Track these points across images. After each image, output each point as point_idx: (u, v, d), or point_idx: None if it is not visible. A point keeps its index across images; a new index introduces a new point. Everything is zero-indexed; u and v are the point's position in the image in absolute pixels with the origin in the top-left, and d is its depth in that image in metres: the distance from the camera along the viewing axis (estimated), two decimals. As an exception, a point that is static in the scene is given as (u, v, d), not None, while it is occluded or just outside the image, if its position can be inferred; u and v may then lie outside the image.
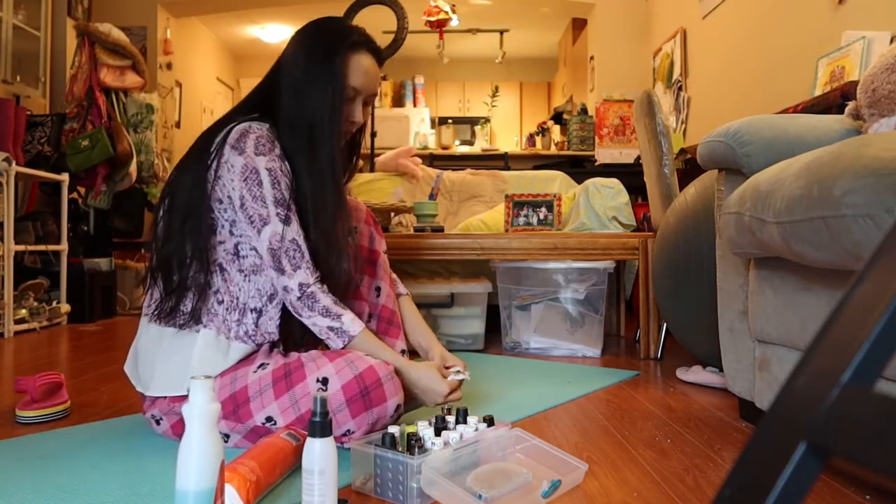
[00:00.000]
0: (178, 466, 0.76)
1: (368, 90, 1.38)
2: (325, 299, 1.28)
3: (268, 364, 1.26)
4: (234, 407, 1.23)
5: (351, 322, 1.28)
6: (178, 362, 1.26)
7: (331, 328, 1.27)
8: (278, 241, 1.25)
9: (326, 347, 1.34)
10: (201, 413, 0.75)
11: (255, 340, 1.30)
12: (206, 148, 1.30)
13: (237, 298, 1.30)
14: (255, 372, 1.25)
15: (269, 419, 1.22)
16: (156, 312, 1.29)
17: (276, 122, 1.33)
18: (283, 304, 1.33)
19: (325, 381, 1.20)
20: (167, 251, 1.28)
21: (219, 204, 1.28)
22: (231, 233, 1.30)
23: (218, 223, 1.30)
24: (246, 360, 1.29)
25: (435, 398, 1.33)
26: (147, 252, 1.39)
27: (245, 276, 1.31)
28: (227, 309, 1.29)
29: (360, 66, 1.35)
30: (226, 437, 1.26)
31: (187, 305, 1.28)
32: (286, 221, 1.26)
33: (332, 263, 1.33)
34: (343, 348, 1.27)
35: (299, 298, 1.26)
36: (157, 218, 1.33)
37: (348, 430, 1.20)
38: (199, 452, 0.75)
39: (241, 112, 1.36)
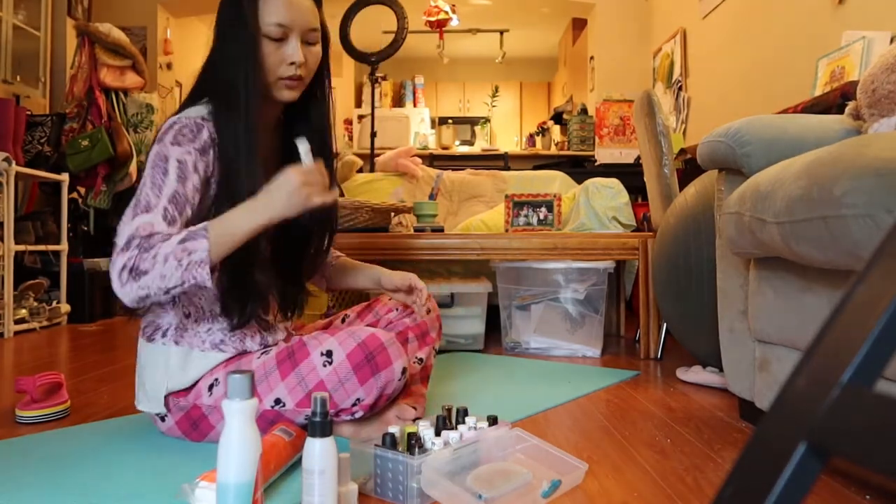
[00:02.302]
0: (218, 460, 0.78)
1: (300, 24, 1.22)
2: (154, 247, 1.08)
3: (270, 350, 1.27)
4: None
5: (191, 237, 1.09)
6: (157, 379, 1.27)
7: (179, 242, 1.08)
8: (145, 229, 1.09)
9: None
10: (240, 408, 0.78)
11: (234, 345, 1.28)
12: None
13: (202, 308, 1.28)
14: (258, 358, 1.27)
15: (277, 401, 1.22)
16: (142, 325, 1.31)
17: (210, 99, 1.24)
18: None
19: (329, 354, 1.21)
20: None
21: None
22: None
23: None
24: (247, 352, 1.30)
25: (293, 197, 1.12)
26: None
27: None
28: (195, 321, 1.28)
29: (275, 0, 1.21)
30: None
31: (151, 317, 1.28)
32: (169, 222, 1.12)
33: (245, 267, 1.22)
34: (207, 248, 1.08)
35: (138, 252, 1.06)
36: None
37: (358, 399, 1.21)
38: (238, 446, 0.77)
39: (187, 100, 1.28)
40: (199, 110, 1.22)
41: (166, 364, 1.26)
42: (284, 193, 1.12)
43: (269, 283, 1.32)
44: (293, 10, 1.22)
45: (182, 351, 1.26)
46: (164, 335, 1.27)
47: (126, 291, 1.09)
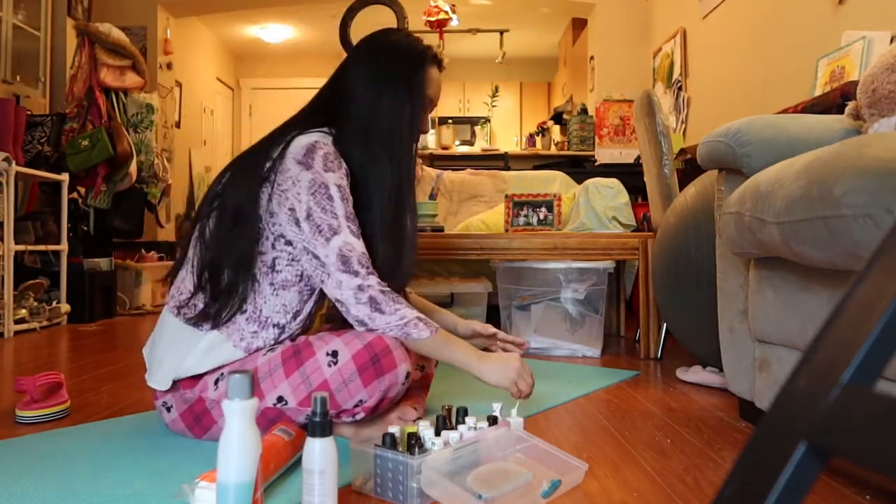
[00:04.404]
0: (218, 460, 0.78)
1: (436, 100, 1.46)
2: (398, 303, 1.26)
3: (276, 347, 1.28)
4: None
5: (427, 322, 1.27)
6: (176, 357, 1.26)
7: (417, 319, 1.26)
8: (349, 250, 1.24)
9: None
10: (240, 408, 0.77)
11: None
12: (264, 157, 1.29)
13: (260, 311, 1.29)
14: (263, 355, 1.27)
15: (280, 399, 1.22)
16: (181, 308, 1.29)
17: (340, 131, 1.34)
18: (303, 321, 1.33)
19: (334, 354, 1.22)
20: (215, 254, 1.28)
21: (269, 217, 1.27)
22: (273, 246, 1.29)
23: (263, 234, 1.28)
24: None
25: (504, 374, 1.32)
26: (180, 248, 1.38)
27: (274, 290, 1.29)
28: (246, 319, 1.28)
29: (435, 78, 1.42)
30: None
31: (214, 307, 1.27)
32: (357, 236, 1.26)
33: (401, 273, 1.38)
34: (424, 338, 1.25)
35: (382, 293, 1.24)
36: (202, 218, 1.32)
37: (360, 401, 1.21)
38: (238, 446, 0.77)
39: (303, 121, 1.36)
40: (325, 136, 1.32)
41: (194, 345, 1.26)
42: (499, 368, 1.32)
43: None
44: (439, 89, 1.45)
45: (217, 338, 1.26)
46: (211, 323, 1.27)
47: (357, 311, 1.23)
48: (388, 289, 1.26)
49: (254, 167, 1.29)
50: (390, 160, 1.35)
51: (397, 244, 1.37)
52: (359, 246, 1.25)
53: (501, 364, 1.33)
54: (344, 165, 1.30)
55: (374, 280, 1.24)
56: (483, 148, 6.74)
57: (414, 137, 1.40)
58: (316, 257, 1.27)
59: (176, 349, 1.27)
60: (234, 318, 1.28)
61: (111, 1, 5.01)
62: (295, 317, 1.31)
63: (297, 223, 1.25)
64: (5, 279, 2.90)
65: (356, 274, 1.23)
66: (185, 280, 1.31)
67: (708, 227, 1.78)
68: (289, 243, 1.28)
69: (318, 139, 1.29)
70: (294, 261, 1.30)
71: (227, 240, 1.28)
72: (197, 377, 1.27)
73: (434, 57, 1.42)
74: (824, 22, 2.61)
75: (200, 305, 1.27)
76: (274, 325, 1.29)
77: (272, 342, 1.29)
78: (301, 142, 1.27)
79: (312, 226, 1.24)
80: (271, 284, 1.29)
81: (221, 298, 1.27)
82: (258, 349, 1.28)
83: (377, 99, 1.34)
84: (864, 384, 0.34)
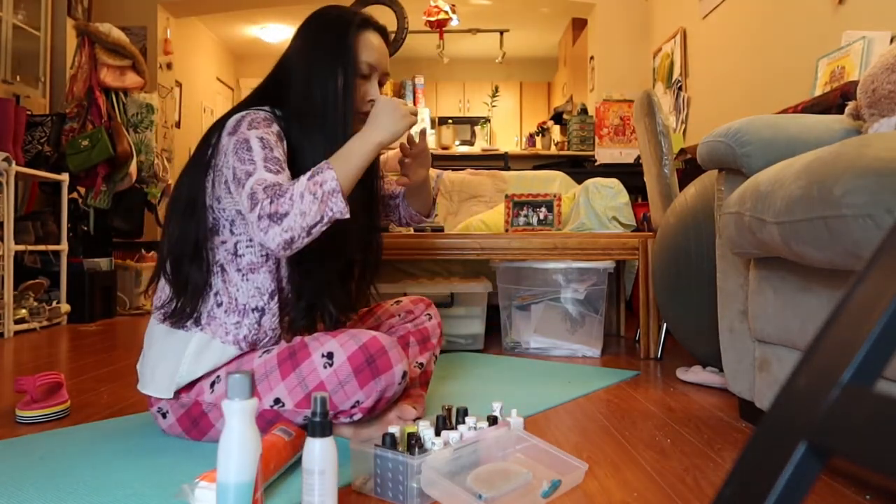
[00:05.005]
0: (218, 460, 0.78)
1: (382, 67, 1.38)
2: (286, 191, 1.14)
3: (272, 349, 1.27)
4: None
5: (319, 166, 1.18)
6: (169, 365, 1.26)
7: (309, 178, 1.15)
8: (259, 184, 1.15)
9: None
10: (240, 408, 0.77)
11: (256, 343, 1.30)
12: (205, 142, 1.30)
13: (236, 300, 1.29)
14: (259, 357, 1.27)
15: (277, 401, 1.22)
16: (161, 310, 1.30)
17: (286, 113, 1.32)
18: (282, 299, 1.32)
19: (330, 356, 1.21)
20: (169, 249, 1.29)
21: (218, 203, 1.28)
22: (232, 232, 1.29)
23: (220, 223, 1.29)
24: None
25: (395, 115, 1.25)
26: (157, 251, 1.39)
27: (243, 275, 1.29)
28: (225, 311, 1.28)
29: (371, 42, 1.35)
30: None
31: (187, 304, 1.28)
32: (274, 172, 1.17)
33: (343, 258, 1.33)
34: (335, 177, 1.15)
35: (268, 198, 1.12)
36: (166, 217, 1.34)
37: (357, 402, 1.21)
38: (238, 446, 0.77)
39: (247, 105, 1.34)
40: (261, 111, 1.28)
41: (183, 350, 1.26)
42: (388, 115, 1.25)
43: (333, 303, 1.39)
44: (380, 54, 1.37)
45: (204, 338, 1.27)
46: (193, 323, 1.27)
47: (270, 238, 1.13)
48: (268, 184, 1.14)
49: (199, 157, 1.30)
50: (323, 135, 1.28)
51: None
52: (271, 178, 1.15)
53: (380, 115, 1.25)
54: (275, 126, 1.26)
55: (264, 194, 1.14)
56: (483, 148, 6.74)
57: (348, 108, 1.30)
58: (241, 214, 1.26)
59: (166, 357, 1.27)
60: (213, 314, 1.28)
61: (111, 1, 5.01)
62: (272, 296, 1.30)
63: (230, 191, 1.24)
64: (5, 279, 2.90)
65: (257, 204, 1.13)
66: (165, 286, 1.32)
67: (708, 227, 1.78)
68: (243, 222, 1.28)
69: (249, 110, 1.27)
70: (253, 240, 1.29)
71: (181, 234, 1.28)
72: (192, 381, 1.27)
73: (365, 22, 1.36)
74: (824, 22, 2.61)
75: (178, 306, 1.28)
76: (253, 310, 1.29)
77: (256, 327, 1.29)
78: (234, 117, 1.26)
79: (236, 183, 1.19)
80: (238, 270, 1.29)
81: (191, 294, 1.27)
82: (244, 338, 1.27)
83: (309, 73, 1.30)
84: (864, 384, 0.34)
